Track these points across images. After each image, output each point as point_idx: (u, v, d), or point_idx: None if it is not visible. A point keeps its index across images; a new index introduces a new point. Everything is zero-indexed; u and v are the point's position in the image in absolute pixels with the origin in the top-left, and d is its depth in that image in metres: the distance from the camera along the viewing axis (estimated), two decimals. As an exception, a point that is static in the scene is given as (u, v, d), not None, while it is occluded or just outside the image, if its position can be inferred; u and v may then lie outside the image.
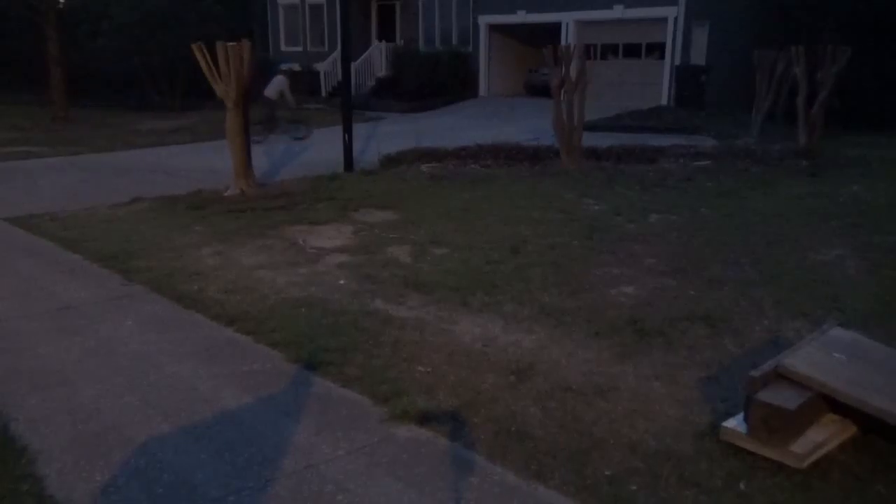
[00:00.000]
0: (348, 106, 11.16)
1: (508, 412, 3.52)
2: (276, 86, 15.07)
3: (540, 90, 18.91)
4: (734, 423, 3.19)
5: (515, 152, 11.57)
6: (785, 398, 3.06)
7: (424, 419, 3.45)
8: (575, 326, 4.61)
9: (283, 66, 16.79)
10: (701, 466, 3.04)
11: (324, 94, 23.00)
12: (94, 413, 3.60)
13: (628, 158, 11.22)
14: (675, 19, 18.19)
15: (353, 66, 18.22)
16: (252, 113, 9.73)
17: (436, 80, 21.06)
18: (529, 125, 15.90)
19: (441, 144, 12.11)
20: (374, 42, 23.73)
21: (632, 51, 19.85)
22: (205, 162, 12.05)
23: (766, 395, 3.08)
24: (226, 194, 9.18)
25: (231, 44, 8.83)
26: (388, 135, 14.63)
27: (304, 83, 23.78)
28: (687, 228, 7.12)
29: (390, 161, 11.31)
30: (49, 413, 3.60)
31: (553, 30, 19.66)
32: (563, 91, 10.97)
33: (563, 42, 18.04)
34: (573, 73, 10.90)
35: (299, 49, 25.72)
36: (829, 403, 3.16)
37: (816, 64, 12.18)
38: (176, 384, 3.92)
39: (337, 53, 21.04)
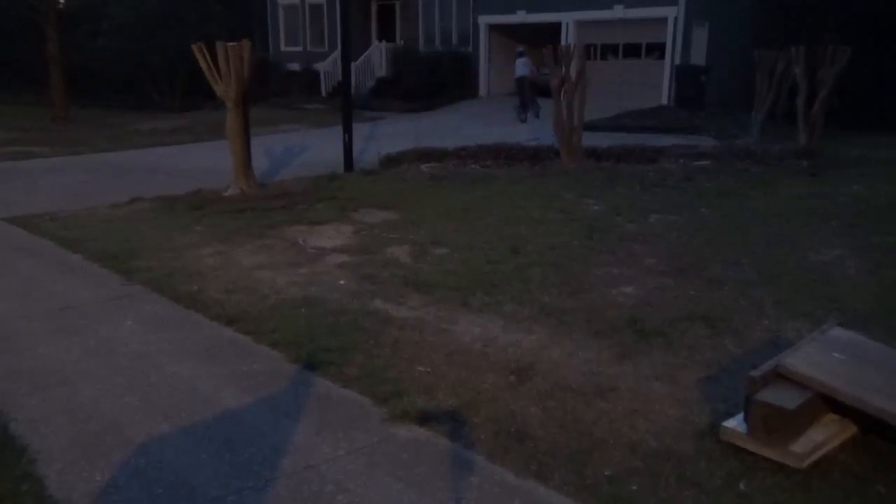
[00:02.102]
0: (348, 106, 11.15)
1: (508, 412, 3.52)
2: (522, 66, 17.07)
3: (540, 90, 18.91)
4: (734, 423, 3.19)
5: (515, 152, 11.56)
6: (785, 398, 3.06)
7: (424, 419, 3.45)
8: (575, 326, 4.61)
9: (520, 49, 17.90)
10: (701, 466, 3.04)
11: (324, 94, 23.00)
12: (93, 413, 3.60)
13: (628, 158, 11.22)
14: (675, 19, 18.18)
15: (353, 66, 18.23)
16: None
17: (436, 80, 21.05)
18: (529, 125, 15.91)
19: (441, 144, 12.11)
20: (374, 42, 23.73)
21: (632, 51, 19.84)
22: (205, 162, 12.04)
23: (766, 395, 3.08)
24: (226, 194, 9.18)
25: (231, 44, 8.84)
26: (387, 135, 14.65)
27: (304, 83, 23.83)
28: (687, 228, 7.12)
29: (390, 161, 11.30)
30: (49, 413, 3.60)
31: (553, 30, 19.65)
32: (563, 91, 10.98)
33: (563, 42, 18.04)
34: (573, 73, 10.91)
35: (299, 49, 25.72)
36: (829, 403, 3.16)
37: (816, 64, 12.19)
38: (176, 384, 3.92)
39: (337, 53, 21.04)
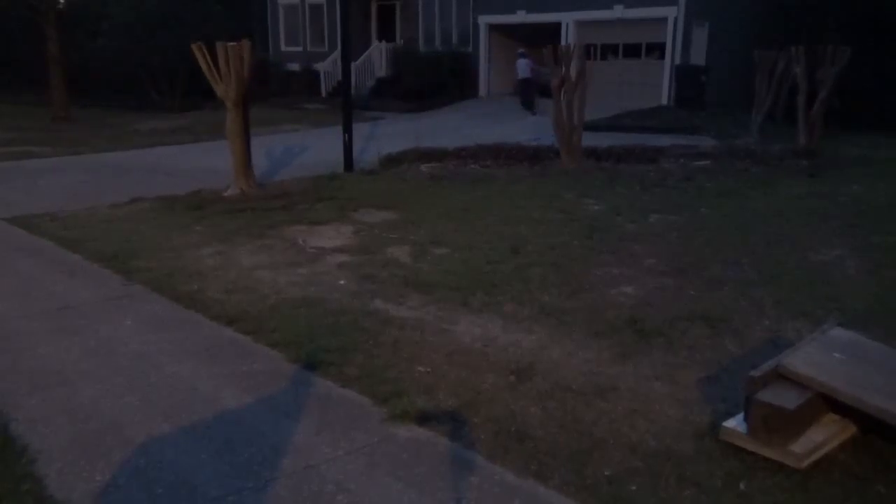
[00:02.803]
0: (348, 106, 11.15)
1: (508, 412, 3.52)
2: (525, 66, 18.37)
3: (542, 90, 18.91)
4: (734, 423, 3.19)
5: (515, 152, 11.56)
6: (785, 398, 3.06)
7: (424, 419, 3.45)
8: (575, 326, 4.61)
9: (521, 51, 19.14)
10: (701, 466, 3.04)
11: (324, 94, 23.00)
12: (93, 413, 3.60)
13: (628, 158, 11.22)
14: (675, 19, 18.18)
15: (353, 66, 18.22)
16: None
17: (436, 80, 21.03)
18: (529, 125, 15.92)
19: (441, 144, 12.11)
20: (374, 42, 23.72)
21: (632, 51, 19.84)
22: (205, 162, 12.05)
23: (766, 395, 3.08)
24: (226, 194, 9.18)
25: (231, 44, 8.84)
26: (388, 135, 14.65)
27: (304, 83, 23.83)
28: (687, 228, 7.13)
29: (390, 161, 11.30)
30: (49, 413, 3.60)
31: (553, 30, 19.64)
32: (563, 91, 10.98)
33: (563, 42, 18.04)
34: (573, 73, 10.91)
35: (299, 49, 25.71)
36: (829, 403, 3.16)
37: (816, 64, 12.19)
38: (176, 384, 3.92)
39: (337, 53, 21.04)
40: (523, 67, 18.32)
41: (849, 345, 3.47)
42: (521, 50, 18.81)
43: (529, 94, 18.21)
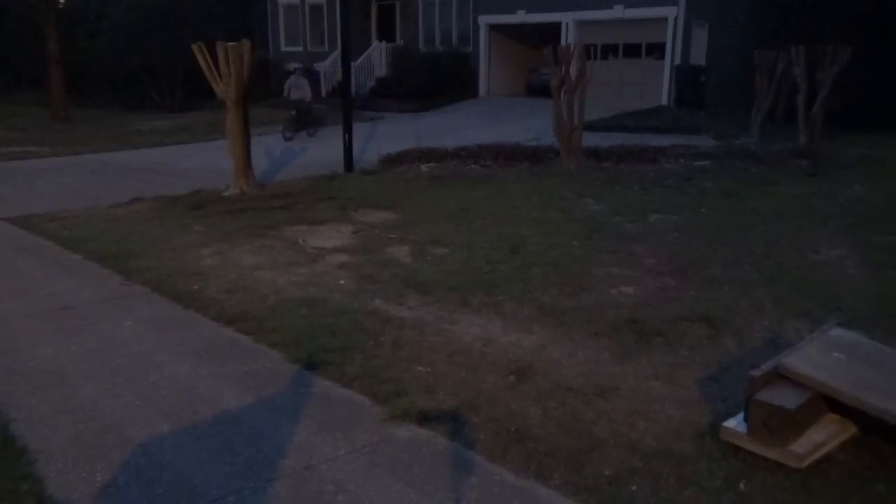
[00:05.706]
0: (348, 106, 11.16)
1: (508, 412, 3.52)
2: (297, 88, 16.05)
3: (540, 90, 18.91)
4: (734, 423, 3.19)
5: (515, 152, 11.56)
6: (785, 398, 3.06)
7: (424, 419, 3.45)
8: (575, 326, 4.61)
9: (297, 66, 17.83)
10: (701, 466, 3.04)
11: (324, 94, 22.98)
12: (93, 413, 3.60)
13: (628, 158, 11.22)
14: (675, 19, 18.18)
15: (353, 66, 18.21)
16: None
17: (436, 80, 21.03)
18: (529, 125, 15.90)
19: (441, 144, 12.11)
20: (374, 42, 23.72)
21: (632, 51, 19.83)
22: (204, 162, 12.05)
23: (766, 395, 3.08)
24: (225, 194, 9.18)
25: (231, 44, 8.84)
26: (388, 135, 14.65)
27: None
28: (687, 228, 7.12)
29: (390, 161, 11.31)
30: (49, 413, 3.60)
31: (553, 30, 19.64)
32: (563, 91, 10.98)
33: (563, 42, 18.04)
34: (573, 73, 10.91)
35: (299, 49, 25.70)
36: (829, 403, 3.16)
37: (816, 64, 12.20)
38: (176, 384, 3.91)
39: (337, 53, 21.02)
40: (295, 89, 16.01)
41: (849, 345, 3.46)
42: (297, 66, 16.80)
43: (303, 117, 15.72)
